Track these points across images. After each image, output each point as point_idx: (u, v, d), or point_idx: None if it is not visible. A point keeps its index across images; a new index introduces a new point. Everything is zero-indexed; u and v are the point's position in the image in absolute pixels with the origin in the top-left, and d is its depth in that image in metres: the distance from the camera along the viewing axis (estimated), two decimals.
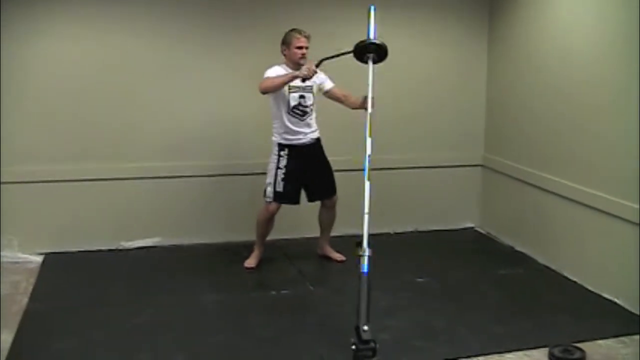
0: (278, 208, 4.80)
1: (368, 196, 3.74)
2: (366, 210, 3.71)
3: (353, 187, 5.34)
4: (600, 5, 4.47)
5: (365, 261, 3.51)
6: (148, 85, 5.19)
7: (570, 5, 4.75)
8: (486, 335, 3.86)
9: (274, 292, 4.49)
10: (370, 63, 4.09)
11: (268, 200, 4.77)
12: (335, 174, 4.91)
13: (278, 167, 4.73)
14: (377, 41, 4.06)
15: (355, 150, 5.49)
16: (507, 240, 5.59)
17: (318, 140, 4.83)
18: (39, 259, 4.99)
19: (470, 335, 3.86)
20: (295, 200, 4.84)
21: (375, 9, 4.04)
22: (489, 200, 5.93)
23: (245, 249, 5.04)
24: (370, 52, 4.08)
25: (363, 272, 3.47)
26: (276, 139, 4.75)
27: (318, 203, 4.97)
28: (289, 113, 4.67)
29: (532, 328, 3.97)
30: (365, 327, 3.24)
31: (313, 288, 4.59)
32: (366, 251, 3.55)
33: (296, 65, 4.61)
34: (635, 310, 4.16)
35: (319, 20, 5.22)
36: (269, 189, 4.76)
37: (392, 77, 5.58)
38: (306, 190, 4.88)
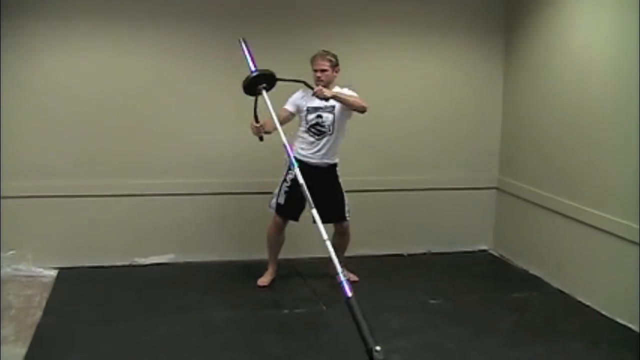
0: (285, 221, 4.83)
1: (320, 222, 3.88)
2: (324, 236, 3.85)
3: (367, 208, 5.40)
4: (620, 22, 4.42)
5: (346, 286, 3.45)
6: (163, 102, 5.23)
7: (590, 21, 4.72)
8: None
9: (286, 311, 4.49)
10: (265, 93, 4.31)
11: (271, 210, 4.82)
12: (349, 195, 4.88)
13: (284, 180, 4.77)
14: (264, 71, 4.32)
15: (369, 171, 5.59)
16: (520, 263, 5.57)
17: (333, 166, 4.80)
18: (53, 273, 5.01)
19: None
20: (293, 217, 4.83)
21: (245, 41, 4.38)
22: (503, 223, 5.90)
23: (259, 267, 5.04)
24: (261, 83, 4.32)
25: (346, 298, 3.41)
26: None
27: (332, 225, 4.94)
28: (306, 131, 4.73)
29: (545, 354, 3.93)
30: (378, 347, 3.21)
31: (326, 308, 4.58)
32: (341, 276, 3.53)
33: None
34: None
35: (336, 42, 5.13)
36: (273, 200, 4.82)
37: (405, 97, 5.63)
38: None
